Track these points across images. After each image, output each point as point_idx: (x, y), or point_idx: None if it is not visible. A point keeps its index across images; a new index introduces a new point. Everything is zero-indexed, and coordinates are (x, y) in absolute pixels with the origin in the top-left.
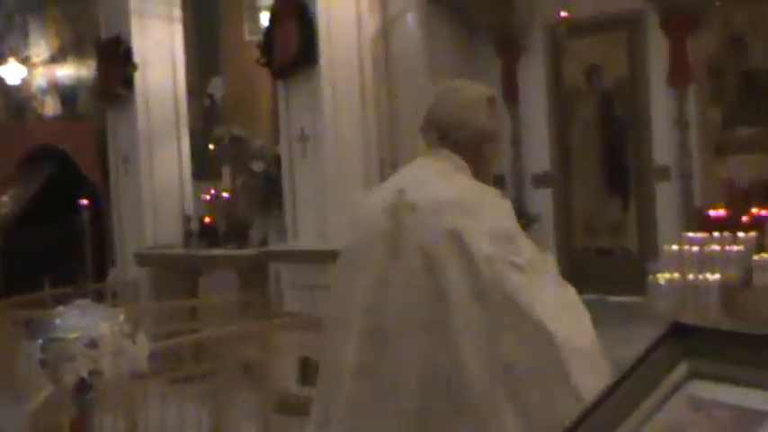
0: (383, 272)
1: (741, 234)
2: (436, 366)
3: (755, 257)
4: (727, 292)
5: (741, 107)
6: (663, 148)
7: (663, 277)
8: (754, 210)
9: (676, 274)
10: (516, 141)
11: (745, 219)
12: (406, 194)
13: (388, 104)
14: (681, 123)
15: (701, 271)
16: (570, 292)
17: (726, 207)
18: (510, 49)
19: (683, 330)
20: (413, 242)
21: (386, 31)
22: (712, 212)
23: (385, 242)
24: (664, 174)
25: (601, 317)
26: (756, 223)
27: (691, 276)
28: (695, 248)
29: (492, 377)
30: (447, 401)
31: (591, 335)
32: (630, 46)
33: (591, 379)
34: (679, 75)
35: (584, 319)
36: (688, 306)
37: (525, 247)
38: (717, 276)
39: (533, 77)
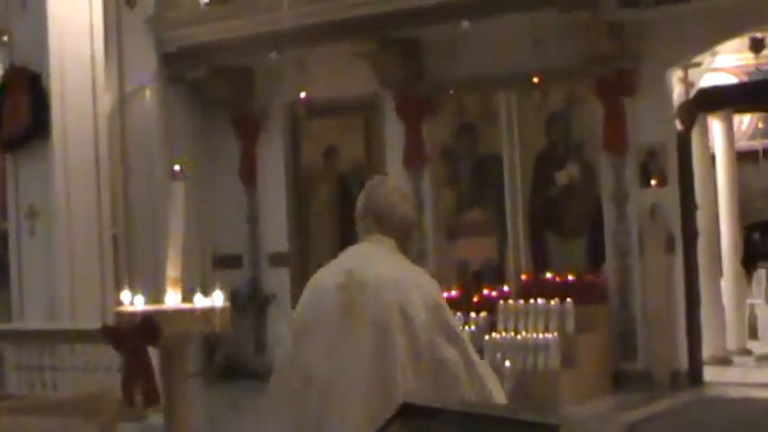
0: (337, 340)
1: (473, 314)
2: (374, 413)
3: (486, 337)
4: None
5: (473, 191)
6: None
7: None
8: (485, 290)
9: None
10: (253, 220)
11: (476, 299)
12: (355, 274)
13: (122, 180)
14: (416, 206)
15: None
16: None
17: (458, 288)
18: (249, 128)
19: (411, 411)
20: (364, 313)
21: (122, 107)
22: (446, 293)
23: (339, 314)
24: None
25: None
26: (487, 303)
27: None
28: None
29: None
30: None
31: (498, 396)
32: (367, 129)
33: None
34: (414, 158)
35: (494, 384)
36: None
37: (450, 316)
38: None
39: (272, 157)
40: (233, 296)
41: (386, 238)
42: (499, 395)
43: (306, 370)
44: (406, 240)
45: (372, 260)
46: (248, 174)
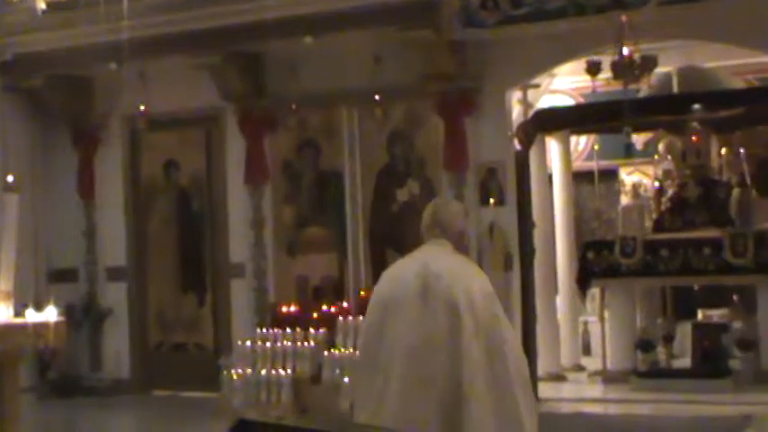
0: (415, 315)
1: (312, 330)
2: (452, 374)
3: (325, 353)
4: (299, 387)
5: (313, 208)
6: (238, 245)
7: (236, 373)
8: (324, 307)
9: (249, 370)
10: (90, 234)
11: (315, 315)
12: (430, 266)
13: None
14: (256, 222)
15: (274, 366)
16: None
17: (298, 304)
18: (87, 140)
19: (246, 427)
20: (439, 295)
21: None
22: (285, 309)
23: (416, 296)
24: (239, 270)
25: (176, 413)
26: (326, 320)
27: (264, 372)
28: (268, 344)
29: (483, 386)
30: (458, 396)
31: (527, 372)
32: (208, 143)
33: (526, 400)
34: (255, 174)
35: (523, 358)
36: (262, 401)
37: (498, 304)
38: (289, 372)
39: (110, 170)
40: (68, 311)
41: (447, 242)
42: (521, 368)
43: (392, 340)
44: (460, 245)
45: (440, 257)
46: (86, 186)
